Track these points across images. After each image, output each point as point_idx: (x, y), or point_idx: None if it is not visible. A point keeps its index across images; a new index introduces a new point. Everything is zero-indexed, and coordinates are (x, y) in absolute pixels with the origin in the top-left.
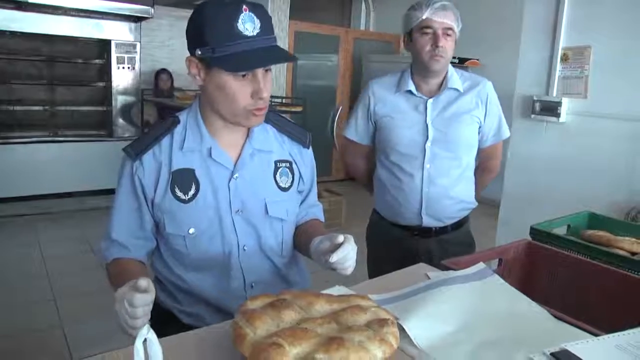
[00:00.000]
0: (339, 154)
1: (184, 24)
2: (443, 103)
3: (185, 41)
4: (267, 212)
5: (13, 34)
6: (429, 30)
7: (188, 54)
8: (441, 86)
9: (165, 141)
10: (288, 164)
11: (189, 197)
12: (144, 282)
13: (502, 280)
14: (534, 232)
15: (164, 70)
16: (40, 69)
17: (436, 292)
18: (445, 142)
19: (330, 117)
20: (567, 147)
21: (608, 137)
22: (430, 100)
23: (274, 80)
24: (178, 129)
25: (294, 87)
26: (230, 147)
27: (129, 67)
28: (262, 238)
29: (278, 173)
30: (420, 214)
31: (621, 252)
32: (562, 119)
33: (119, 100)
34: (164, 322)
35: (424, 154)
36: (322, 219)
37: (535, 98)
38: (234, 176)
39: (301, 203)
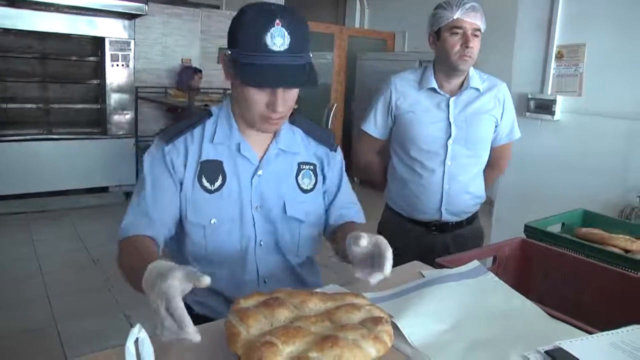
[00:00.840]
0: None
1: (178, 21)
2: (464, 102)
3: (179, 38)
4: (285, 211)
5: (6, 31)
6: (459, 31)
7: (190, 50)
8: (462, 85)
9: (197, 131)
10: (312, 167)
11: (215, 187)
12: (208, 280)
13: (496, 278)
14: (529, 229)
15: (197, 70)
16: (33, 67)
17: (430, 291)
18: (465, 140)
19: (325, 115)
20: (561, 145)
21: (603, 135)
22: (452, 99)
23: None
24: (210, 122)
25: None
26: (257, 145)
27: (123, 65)
28: (279, 236)
29: (300, 174)
30: (440, 209)
31: (615, 250)
32: (557, 116)
33: (113, 98)
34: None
35: (446, 150)
36: (361, 219)
37: (529, 96)
38: (258, 173)
39: (330, 204)
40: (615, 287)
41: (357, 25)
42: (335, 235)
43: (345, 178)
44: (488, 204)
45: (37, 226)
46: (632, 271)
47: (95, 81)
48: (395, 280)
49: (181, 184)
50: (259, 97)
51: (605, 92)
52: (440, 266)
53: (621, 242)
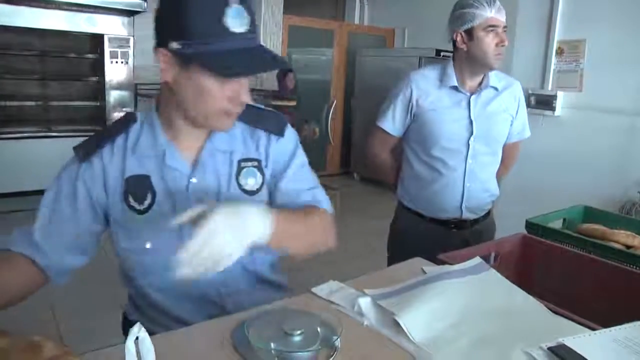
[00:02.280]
0: (366, 147)
1: None
2: (484, 100)
3: None
4: None
5: (5, 28)
6: (493, 29)
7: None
8: (481, 84)
9: (119, 141)
10: (256, 163)
11: (144, 207)
12: None
13: (498, 275)
14: (530, 226)
15: (290, 70)
16: (32, 64)
17: (432, 287)
18: (486, 138)
19: (325, 111)
20: (562, 141)
21: (603, 130)
22: (472, 97)
23: (268, 74)
24: (134, 128)
25: None
26: (189, 149)
27: (122, 62)
28: None
29: (242, 174)
30: (461, 207)
31: (616, 246)
32: (558, 112)
33: (113, 95)
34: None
35: (467, 148)
36: (323, 205)
37: (530, 92)
38: (192, 181)
39: (274, 189)
40: (617, 283)
41: (356, 21)
42: None
43: (296, 166)
44: None
45: None
46: (634, 267)
47: (94, 78)
48: (397, 277)
49: (105, 207)
50: (221, 90)
51: (606, 87)
52: (442, 262)
53: (622, 237)
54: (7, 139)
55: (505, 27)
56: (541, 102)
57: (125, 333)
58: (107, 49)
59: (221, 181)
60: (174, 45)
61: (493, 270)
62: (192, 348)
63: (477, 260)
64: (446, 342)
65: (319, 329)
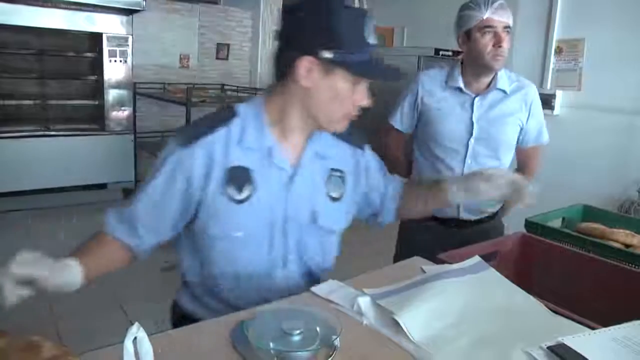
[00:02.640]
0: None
1: (176, 17)
2: (489, 103)
3: (177, 34)
4: (316, 221)
5: (2, 27)
6: (490, 30)
7: (188, 46)
8: (489, 85)
9: (221, 133)
10: (341, 174)
11: (242, 197)
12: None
13: (498, 274)
14: (529, 224)
15: None
16: (30, 63)
17: (432, 287)
18: (487, 141)
19: None
20: (561, 140)
21: (602, 130)
22: (477, 99)
23: (267, 74)
24: (235, 122)
25: None
26: (291, 148)
27: (121, 61)
28: (308, 246)
29: (330, 181)
30: (458, 207)
31: (615, 245)
32: (557, 111)
33: (111, 94)
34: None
35: (467, 149)
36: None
37: None
38: (292, 180)
39: (383, 196)
40: (616, 282)
41: None
42: (408, 202)
43: (382, 164)
44: None
45: (35, 223)
46: (633, 266)
47: (93, 77)
48: (396, 276)
49: (200, 194)
50: (351, 96)
51: (605, 86)
52: (442, 262)
53: (621, 236)
54: (6, 138)
55: (507, 27)
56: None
57: (175, 321)
58: (106, 48)
59: (315, 185)
60: (325, 53)
61: (492, 270)
62: (191, 348)
63: (477, 259)
64: (446, 342)
65: (318, 329)
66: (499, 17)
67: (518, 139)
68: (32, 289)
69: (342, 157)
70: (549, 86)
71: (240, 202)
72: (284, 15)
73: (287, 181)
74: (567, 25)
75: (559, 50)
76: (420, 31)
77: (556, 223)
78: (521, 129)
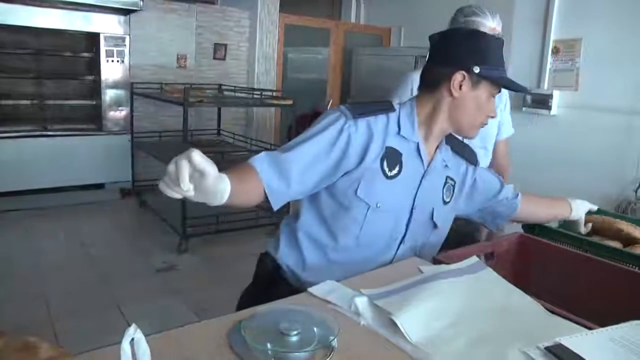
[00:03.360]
0: None
1: (173, 17)
2: None
3: (174, 34)
4: (432, 216)
5: None
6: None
7: (185, 46)
8: None
9: (381, 118)
10: (453, 183)
11: (392, 174)
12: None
13: (495, 274)
14: (527, 225)
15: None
16: (27, 63)
17: (429, 287)
18: (479, 135)
19: (321, 111)
20: (558, 140)
21: (599, 130)
22: None
23: (265, 74)
24: (393, 116)
25: (284, 80)
26: (427, 151)
27: (118, 61)
28: (420, 236)
29: (445, 187)
30: None
31: (613, 244)
32: (554, 111)
33: (109, 94)
34: (275, 281)
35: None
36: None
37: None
38: (424, 176)
39: (494, 200)
40: (613, 281)
41: (353, 20)
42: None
43: (496, 178)
44: None
45: (33, 223)
46: (630, 266)
47: (90, 77)
48: (394, 277)
49: (354, 162)
50: (486, 106)
51: (602, 86)
52: (439, 262)
53: (624, 226)
54: (3, 138)
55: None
56: (537, 102)
57: (261, 272)
58: (103, 48)
59: (436, 187)
60: (476, 68)
61: (490, 269)
62: (188, 348)
63: (474, 259)
64: (443, 342)
65: (315, 329)
66: (499, 27)
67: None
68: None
69: (457, 169)
70: (546, 86)
71: (390, 178)
72: (440, 38)
73: (421, 176)
74: (564, 26)
75: (556, 51)
76: (417, 31)
77: (553, 223)
78: (499, 123)
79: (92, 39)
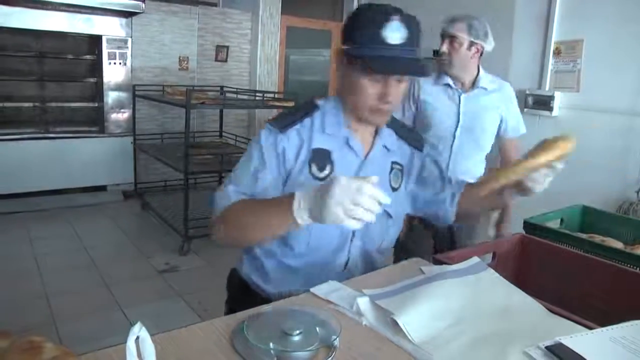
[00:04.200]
0: None
1: (175, 19)
2: (473, 98)
3: (176, 36)
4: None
5: (1, 29)
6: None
7: (187, 48)
8: (473, 84)
9: (306, 122)
10: (400, 167)
11: (323, 176)
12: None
13: (496, 274)
14: (528, 225)
15: None
16: (30, 65)
17: (431, 287)
18: (470, 131)
19: None
20: None
21: (601, 131)
22: (464, 95)
23: (267, 76)
24: (317, 114)
25: (286, 82)
26: (363, 140)
27: (120, 63)
28: (372, 229)
29: (392, 173)
30: None
31: (614, 245)
32: (555, 112)
33: (111, 96)
34: (248, 299)
35: (454, 137)
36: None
37: (528, 92)
38: (362, 166)
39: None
40: (614, 282)
41: None
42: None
43: (441, 168)
44: None
45: (35, 226)
46: (631, 266)
47: (92, 79)
48: (395, 277)
49: (289, 172)
50: (371, 89)
51: (604, 87)
52: (440, 262)
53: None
54: (5, 141)
55: (451, 36)
56: (539, 103)
57: (231, 288)
58: (105, 50)
59: (380, 173)
60: (344, 46)
61: (491, 270)
62: (192, 348)
63: (475, 259)
64: (445, 342)
65: (317, 329)
66: (460, 33)
67: (499, 130)
68: None
69: (402, 153)
70: (547, 87)
71: (321, 179)
72: None
73: (358, 168)
74: (566, 27)
75: (557, 52)
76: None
77: (555, 224)
78: (501, 122)
79: (94, 41)
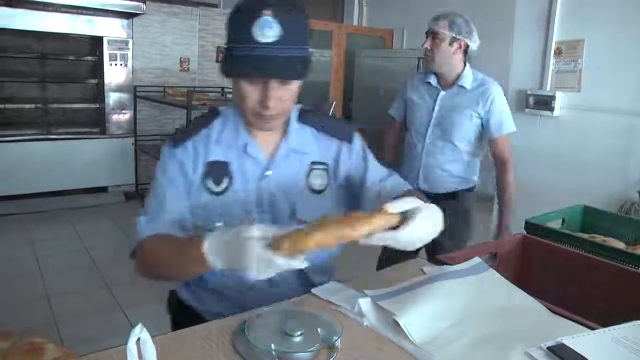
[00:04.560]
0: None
1: (176, 20)
2: (449, 96)
3: (177, 37)
4: (294, 215)
5: (3, 30)
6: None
7: (188, 49)
8: (454, 82)
9: (203, 132)
10: (324, 167)
11: (220, 189)
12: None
13: (498, 275)
14: (529, 226)
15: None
16: (31, 67)
17: (432, 288)
18: (442, 126)
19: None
20: (561, 141)
21: (602, 131)
22: (442, 92)
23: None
24: (217, 122)
25: None
26: (266, 144)
27: (121, 64)
28: None
29: (312, 175)
30: (418, 177)
31: (616, 245)
32: (556, 112)
33: (112, 98)
34: (189, 320)
35: (426, 132)
36: (406, 185)
37: (529, 92)
38: (266, 173)
39: (362, 187)
40: (616, 282)
41: (355, 22)
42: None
43: (371, 157)
44: (488, 200)
45: (37, 227)
46: (633, 266)
47: (93, 81)
48: (397, 278)
49: (190, 187)
50: (250, 93)
51: (605, 88)
52: (442, 263)
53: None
54: (7, 142)
55: (434, 32)
56: (540, 103)
57: (172, 310)
58: (106, 52)
59: (293, 178)
60: (222, 44)
61: (492, 270)
62: (193, 349)
63: (477, 260)
64: (446, 343)
65: (319, 330)
66: (440, 28)
67: (482, 129)
68: None
69: (326, 151)
70: (548, 87)
71: (219, 194)
72: None
73: (262, 175)
74: (567, 27)
75: (558, 52)
76: (419, 33)
77: (556, 224)
78: (481, 120)
79: (96, 42)
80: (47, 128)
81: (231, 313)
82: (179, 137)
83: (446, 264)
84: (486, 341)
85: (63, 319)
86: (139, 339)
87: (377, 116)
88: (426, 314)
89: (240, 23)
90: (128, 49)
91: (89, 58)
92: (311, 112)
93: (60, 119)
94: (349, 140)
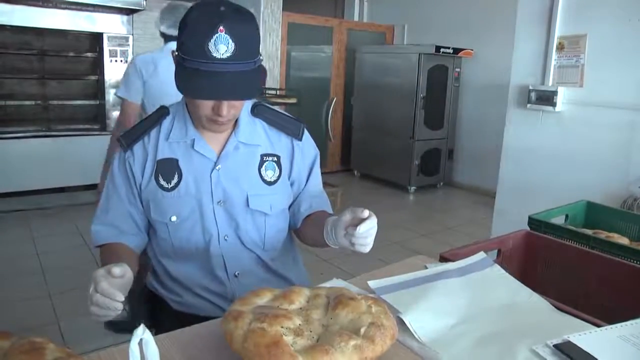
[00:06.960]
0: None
1: None
2: None
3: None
4: (248, 204)
5: (3, 27)
6: None
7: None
8: None
9: (153, 132)
10: (275, 158)
11: (171, 185)
12: (118, 270)
13: (502, 270)
14: (533, 222)
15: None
16: (31, 63)
17: (437, 285)
18: None
19: (325, 109)
20: (563, 137)
21: (604, 126)
22: None
23: (269, 73)
24: (167, 120)
25: (288, 79)
26: (215, 139)
27: (121, 60)
28: (242, 230)
29: (263, 167)
30: None
31: (620, 241)
32: (558, 108)
33: (112, 94)
34: (158, 309)
35: None
36: (330, 210)
37: (531, 87)
38: (217, 167)
39: (300, 193)
40: (620, 278)
41: (356, 18)
42: (307, 222)
43: (317, 168)
44: (490, 195)
45: (37, 223)
46: (638, 262)
47: (93, 77)
48: (400, 274)
49: (140, 187)
50: (204, 102)
51: (607, 83)
52: (445, 260)
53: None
54: (7, 139)
55: None
56: (542, 98)
57: (145, 299)
58: (107, 48)
59: (244, 170)
60: (175, 53)
61: (497, 266)
62: (194, 348)
63: (482, 255)
64: (451, 340)
65: None
66: None
67: None
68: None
69: (277, 144)
70: (550, 83)
71: (170, 189)
72: None
73: (212, 169)
74: (569, 21)
75: (560, 47)
76: (420, 28)
77: (559, 220)
78: None
79: (96, 39)
80: (47, 125)
81: (197, 301)
82: (128, 140)
83: (449, 260)
84: (492, 339)
85: (64, 316)
86: (141, 340)
87: (377, 112)
88: (432, 312)
89: (194, 35)
90: (128, 45)
91: (89, 54)
92: (264, 106)
93: (60, 116)
94: (298, 136)
